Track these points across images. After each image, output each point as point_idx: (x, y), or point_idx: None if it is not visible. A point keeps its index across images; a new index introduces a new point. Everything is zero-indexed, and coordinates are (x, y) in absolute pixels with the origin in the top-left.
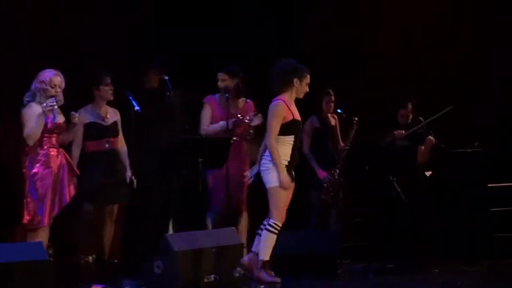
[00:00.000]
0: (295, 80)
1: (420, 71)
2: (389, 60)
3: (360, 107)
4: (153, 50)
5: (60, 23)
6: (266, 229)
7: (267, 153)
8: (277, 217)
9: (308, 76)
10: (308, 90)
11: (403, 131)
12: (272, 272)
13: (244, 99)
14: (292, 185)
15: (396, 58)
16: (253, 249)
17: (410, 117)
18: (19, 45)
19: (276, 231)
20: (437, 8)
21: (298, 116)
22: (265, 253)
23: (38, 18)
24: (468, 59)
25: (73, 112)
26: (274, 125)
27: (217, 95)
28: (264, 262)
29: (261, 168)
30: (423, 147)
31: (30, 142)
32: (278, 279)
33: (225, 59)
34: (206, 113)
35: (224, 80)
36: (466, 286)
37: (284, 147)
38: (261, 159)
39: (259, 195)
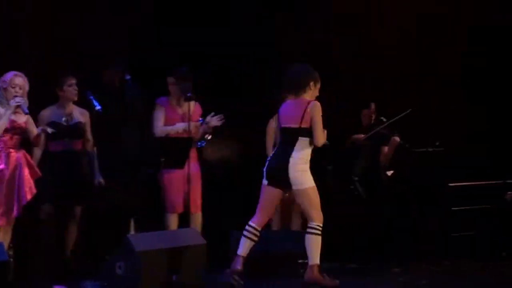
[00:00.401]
0: (311, 83)
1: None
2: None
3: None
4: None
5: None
6: (312, 233)
7: (296, 155)
8: (318, 218)
9: (320, 80)
10: (318, 94)
11: (362, 135)
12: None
13: (193, 101)
14: None
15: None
16: (239, 252)
17: (373, 117)
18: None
19: (320, 232)
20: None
21: None
22: (317, 257)
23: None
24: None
25: (49, 129)
26: (321, 122)
27: (169, 97)
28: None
29: (294, 172)
30: (386, 147)
31: None
32: (337, 281)
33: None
34: (160, 114)
35: (172, 84)
36: (427, 285)
37: (309, 149)
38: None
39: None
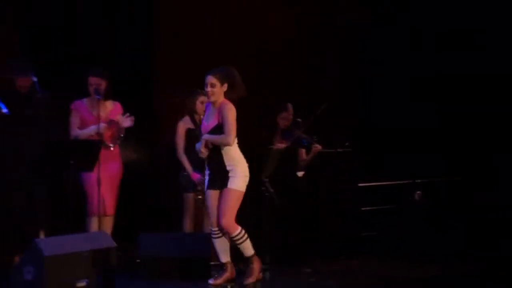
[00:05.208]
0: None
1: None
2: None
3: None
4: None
5: None
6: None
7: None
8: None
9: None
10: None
11: (283, 145)
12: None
13: (112, 101)
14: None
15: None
16: None
17: (290, 119)
18: None
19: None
20: None
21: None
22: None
23: None
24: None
25: None
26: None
27: (84, 100)
28: None
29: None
30: (304, 151)
31: None
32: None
33: None
34: (75, 119)
35: (99, 84)
36: (337, 285)
37: None
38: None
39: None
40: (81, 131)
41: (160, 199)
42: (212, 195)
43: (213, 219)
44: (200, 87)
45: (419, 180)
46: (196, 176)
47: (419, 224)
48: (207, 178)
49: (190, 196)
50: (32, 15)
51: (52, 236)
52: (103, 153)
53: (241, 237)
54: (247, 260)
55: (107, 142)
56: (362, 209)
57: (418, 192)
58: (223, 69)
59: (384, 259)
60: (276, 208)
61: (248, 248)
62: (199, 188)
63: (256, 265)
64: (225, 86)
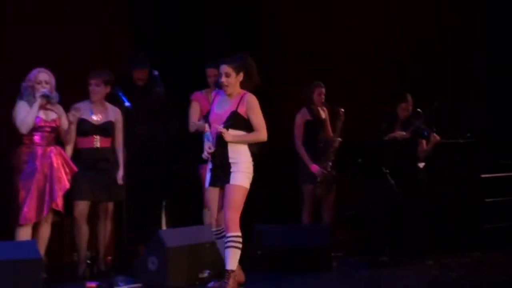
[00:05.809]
0: None
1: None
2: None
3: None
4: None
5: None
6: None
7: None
8: None
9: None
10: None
11: (404, 133)
12: None
13: None
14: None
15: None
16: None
17: (410, 110)
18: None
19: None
20: None
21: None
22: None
23: None
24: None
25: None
26: None
27: (204, 91)
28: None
29: None
30: (424, 142)
31: (23, 130)
32: None
33: None
34: (194, 110)
35: (216, 75)
36: (460, 277)
37: None
38: None
39: None
40: (200, 123)
41: (279, 191)
42: (213, 192)
43: (213, 219)
44: (317, 80)
45: None
46: (315, 168)
47: None
48: (209, 174)
49: (309, 188)
50: (145, 13)
51: (174, 227)
52: None
53: (237, 242)
54: (225, 273)
55: None
56: (486, 200)
57: None
58: (239, 57)
59: (509, 252)
60: (397, 200)
61: (234, 259)
62: (318, 180)
63: (232, 283)
64: (241, 75)
